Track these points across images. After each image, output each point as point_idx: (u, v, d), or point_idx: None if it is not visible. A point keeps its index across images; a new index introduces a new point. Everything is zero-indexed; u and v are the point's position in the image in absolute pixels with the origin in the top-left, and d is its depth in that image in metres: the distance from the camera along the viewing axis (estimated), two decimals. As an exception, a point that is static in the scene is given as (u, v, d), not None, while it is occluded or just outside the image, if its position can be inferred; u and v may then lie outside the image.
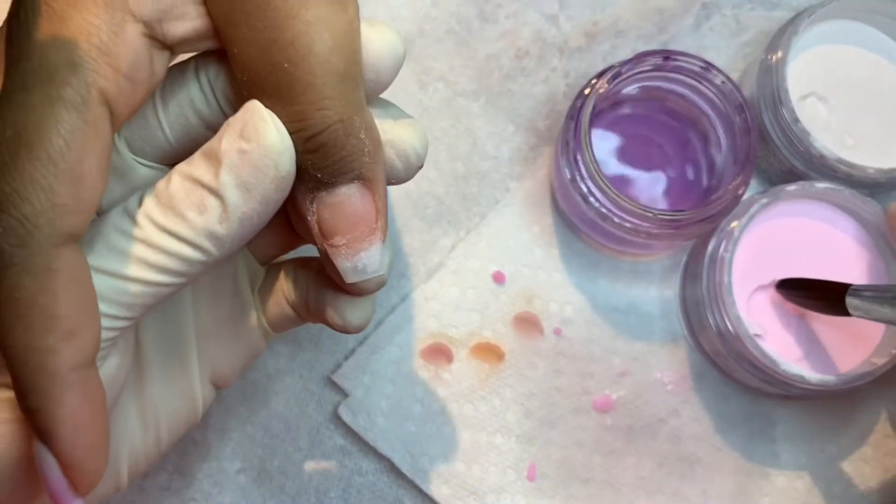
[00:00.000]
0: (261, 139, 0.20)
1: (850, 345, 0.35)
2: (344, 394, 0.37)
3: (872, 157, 0.36)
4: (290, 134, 0.20)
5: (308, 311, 0.27)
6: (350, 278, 0.23)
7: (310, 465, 0.37)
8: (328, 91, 0.20)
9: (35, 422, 0.20)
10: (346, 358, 0.37)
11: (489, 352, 0.37)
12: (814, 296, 0.34)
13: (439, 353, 0.37)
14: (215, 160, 0.21)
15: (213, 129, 0.22)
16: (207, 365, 0.27)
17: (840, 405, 0.37)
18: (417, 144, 0.23)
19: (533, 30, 0.40)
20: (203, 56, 0.22)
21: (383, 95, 0.23)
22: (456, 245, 0.38)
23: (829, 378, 0.33)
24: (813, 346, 0.35)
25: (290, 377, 0.37)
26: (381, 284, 0.24)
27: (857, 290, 0.31)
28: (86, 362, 0.20)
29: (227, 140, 0.20)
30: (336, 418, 0.37)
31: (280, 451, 0.37)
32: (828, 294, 0.33)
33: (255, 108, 0.20)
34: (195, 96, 0.22)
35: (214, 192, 0.21)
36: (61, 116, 0.19)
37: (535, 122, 0.39)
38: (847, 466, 0.37)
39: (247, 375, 0.37)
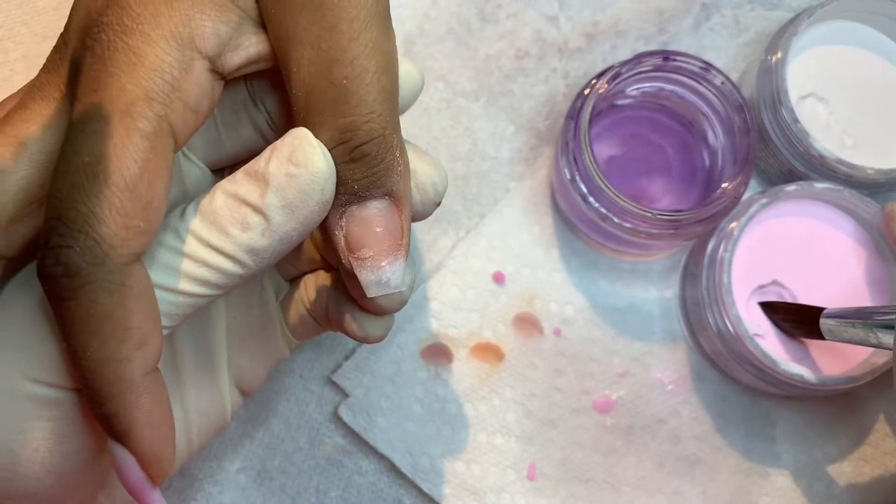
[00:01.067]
0: (310, 165, 0.21)
1: (850, 345, 0.35)
2: (344, 394, 0.37)
3: (872, 157, 0.36)
4: (337, 145, 0.22)
5: (328, 321, 0.28)
6: (372, 292, 0.24)
7: (310, 465, 0.37)
8: (377, 106, 0.22)
9: (112, 425, 0.22)
10: (346, 358, 0.37)
11: (489, 352, 0.37)
12: (790, 318, 0.34)
13: (439, 353, 0.37)
14: (261, 181, 0.22)
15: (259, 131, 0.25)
16: (235, 371, 0.29)
17: (840, 405, 0.37)
18: (437, 179, 0.25)
19: (533, 30, 0.40)
20: (253, 76, 0.24)
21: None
22: (456, 245, 0.38)
23: (828, 378, 0.33)
24: (812, 346, 0.35)
25: (290, 377, 0.37)
26: (401, 304, 0.25)
27: (830, 314, 0.31)
28: (153, 367, 0.22)
29: (276, 163, 0.22)
30: (336, 418, 0.37)
31: (280, 450, 0.37)
32: (802, 318, 0.33)
33: (303, 134, 0.22)
34: (252, 113, 0.25)
35: (259, 211, 0.22)
36: (137, 146, 0.20)
37: (535, 123, 0.39)
38: (847, 466, 0.37)
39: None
